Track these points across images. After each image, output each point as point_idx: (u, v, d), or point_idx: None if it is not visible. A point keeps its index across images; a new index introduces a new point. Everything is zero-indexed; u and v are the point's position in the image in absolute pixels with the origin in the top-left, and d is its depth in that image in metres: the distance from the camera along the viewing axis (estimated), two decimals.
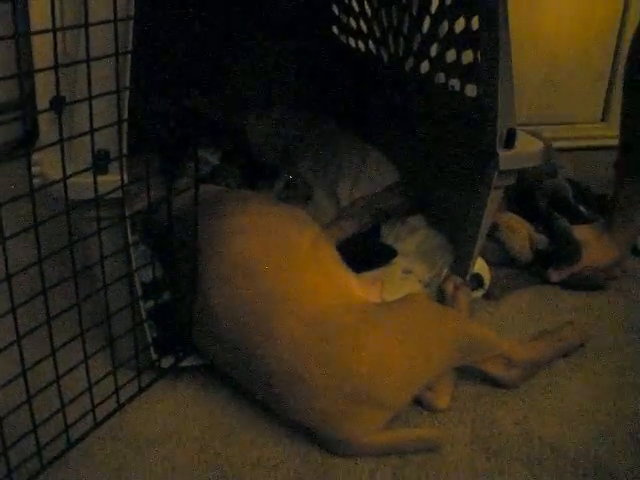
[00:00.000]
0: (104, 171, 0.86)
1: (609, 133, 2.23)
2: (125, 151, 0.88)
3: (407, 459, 0.99)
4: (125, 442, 1.00)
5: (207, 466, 0.96)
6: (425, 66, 1.46)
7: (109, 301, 0.95)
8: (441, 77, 1.39)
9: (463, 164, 1.28)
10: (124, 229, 0.95)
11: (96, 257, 0.91)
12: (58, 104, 0.81)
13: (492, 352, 1.09)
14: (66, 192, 0.82)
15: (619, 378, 1.18)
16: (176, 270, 1.13)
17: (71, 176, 0.82)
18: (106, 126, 0.85)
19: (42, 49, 0.82)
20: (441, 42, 1.38)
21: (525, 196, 1.58)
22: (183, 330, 1.09)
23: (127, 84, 0.87)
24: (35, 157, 0.86)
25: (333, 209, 1.55)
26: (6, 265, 0.75)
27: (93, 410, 0.96)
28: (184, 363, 1.11)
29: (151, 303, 1.11)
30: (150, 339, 1.07)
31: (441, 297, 1.27)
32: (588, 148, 2.25)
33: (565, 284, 1.44)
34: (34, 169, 0.84)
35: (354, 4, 1.83)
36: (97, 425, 0.98)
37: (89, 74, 0.80)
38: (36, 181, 0.82)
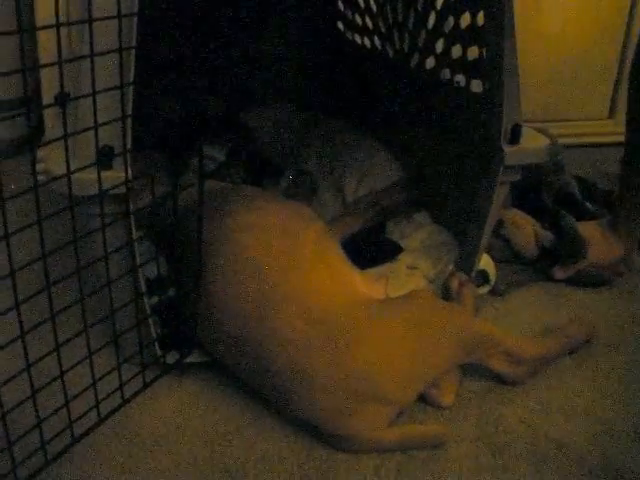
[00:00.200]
0: (108, 167, 0.86)
1: (616, 130, 2.22)
2: (129, 147, 0.88)
3: (411, 455, 0.98)
4: (129, 438, 1.00)
5: (211, 462, 0.96)
6: (431, 62, 1.45)
7: (114, 297, 0.95)
8: (446, 73, 1.39)
9: (468, 160, 1.27)
10: (128, 225, 0.95)
11: (100, 253, 0.91)
12: (62, 100, 0.81)
13: (497, 349, 1.09)
14: (70, 188, 0.82)
15: (625, 375, 1.17)
16: (181, 266, 1.13)
17: (75, 171, 0.82)
18: (110, 121, 0.85)
19: (47, 45, 0.82)
20: (446, 38, 1.37)
21: (531, 192, 1.57)
22: (188, 326, 1.09)
23: (131, 80, 0.87)
24: (40, 154, 0.86)
25: (338, 206, 1.54)
26: (10, 261, 0.75)
27: (97, 406, 0.96)
28: (189, 359, 1.11)
29: (156, 299, 1.11)
30: (155, 335, 1.07)
31: (446, 293, 1.27)
32: (595, 145, 2.24)
33: (570, 281, 1.44)
34: (39, 166, 0.85)
35: (359, 0, 1.83)
36: (101, 421, 0.98)
37: (93, 70, 0.80)
38: (41, 177, 0.83)
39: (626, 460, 0.99)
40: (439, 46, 1.41)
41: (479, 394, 1.11)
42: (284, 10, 1.98)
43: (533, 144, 1.13)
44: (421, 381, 1.02)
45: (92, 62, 0.80)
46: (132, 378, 1.02)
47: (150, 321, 1.05)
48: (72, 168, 0.81)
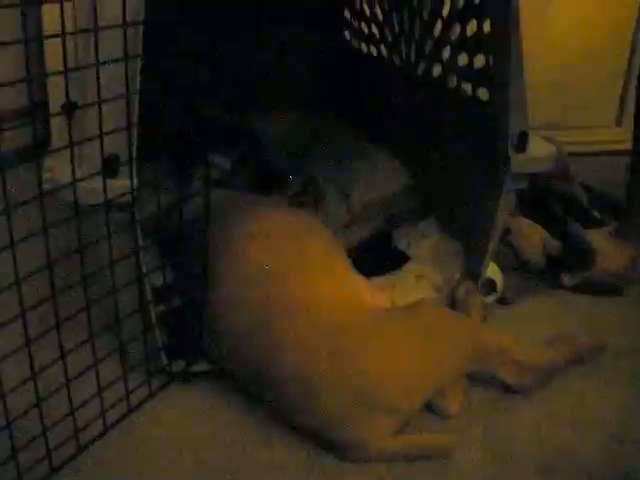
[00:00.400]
0: (114, 175, 0.87)
1: (623, 137, 2.21)
2: (135, 155, 0.88)
3: (418, 465, 0.98)
4: (135, 446, 0.99)
5: (217, 469, 0.96)
6: (437, 70, 1.45)
7: (120, 305, 0.95)
8: (453, 81, 1.38)
9: (475, 168, 1.27)
10: (134, 233, 0.95)
11: (106, 261, 0.91)
12: (69, 109, 0.81)
13: (504, 358, 1.08)
14: (76, 196, 0.82)
15: (634, 383, 1.16)
16: (187, 274, 1.13)
17: (81, 180, 0.82)
18: (116, 130, 0.85)
19: (54, 56, 0.83)
20: (453, 46, 1.37)
21: (538, 201, 1.57)
22: (194, 334, 1.09)
23: (137, 88, 0.87)
24: (47, 164, 0.87)
25: (345, 213, 1.54)
26: (16, 269, 0.75)
27: (103, 414, 0.96)
28: (194, 368, 1.11)
29: (162, 307, 1.11)
30: (161, 343, 1.07)
31: (453, 302, 1.27)
32: (602, 153, 2.24)
33: (578, 289, 1.43)
34: (46, 175, 0.85)
35: (366, 9, 1.83)
36: (107, 429, 0.98)
37: (98, 78, 0.81)
38: (46, 186, 0.83)
39: (636, 470, 0.98)
40: (445, 54, 1.41)
41: (486, 403, 1.10)
42: (291, 19, 1.98)
43: (540, 152, 1.13)
44: (427, 390, 1.01)
45: (97, 71, 0.80)
46: (138, 387, 1.02)
47: (156, 329, 1.05)
48: (78, 177, 0.82)
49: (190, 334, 1.10)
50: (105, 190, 0.85)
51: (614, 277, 1.42)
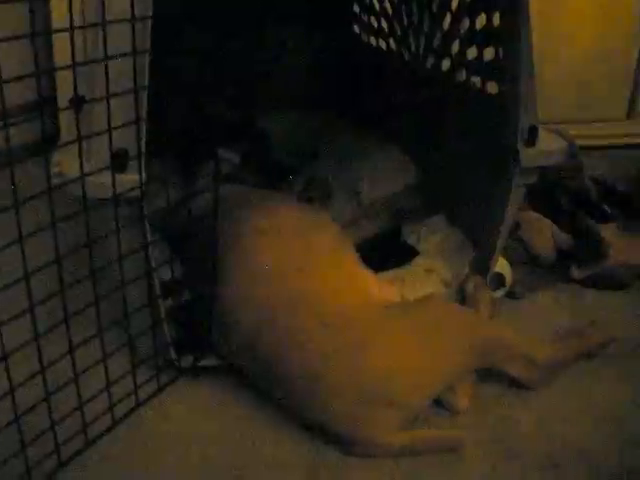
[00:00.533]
0: (122, 170, 0.87)
1: (634, 131, 2.20)
2: (144, 150, 0.88)
3: (426, 460, 0.97)
4: (143, 441, 0.99)
5: (224, 465, 0.96)
6: (446, 64, 1.45)
7: (129, 300, 0.95)
8: (462, 74, 1.38)
9: (484, 162, 1.26)
10: (143, 228, 0.95)
11: (115, 256, 0.91)
12: (77, 103, 0.81)
13: (513, 353, 1.08)
14: (84, 190, 0.82)
15: None
16: (196, 270, 1.13)
17: (90, 174, 0.82)
18: (124, 125, 0.85)
19: (63, 50, 0.82)
20: (462, 39, 1.37)
21: (547, 194, 1.56)
22: (202, 329, 1.09)
23: (145, 83, 0.87)
24: (55, 158, 0.87)
25: (353, 209, 1.54)
26: (24, 264, 0.75)
27: (111, 409, 0.96)
28: (203, 363, 1.11)
29: (170, 302, 1.11)
30: (169, 338, 1.07)
31: (462, 297, 1.26)
32: (613, 146, 2.22)
33: (589, 283, 1.42)
34: (54, 170, 0.85)
35: (375, 2, 1.82)
36: (115, 424, 0.98)
37: (107, 73, 0.80)
38: (55, 181, 0.83)
39: None
40: (455, 48, 1.40)
41: (494, 398, 1.10)
42: (293, 18, 1.97)
43: (550, 146, 1.12)
44: (435, 385, 1.01)
45: (106, 65, 0.80)
46: (146, 381, 1.02)
47: (165, 324, 1.05)
48: (86, 171, 0.82)
49: (199, 329, 1.10)
50: (114, 185, 0.85)
51: (625, 271, 1.42)
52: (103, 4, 0.79)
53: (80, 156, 0.80)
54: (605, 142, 2.22)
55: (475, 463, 0.97)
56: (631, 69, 2.26)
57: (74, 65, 0.76)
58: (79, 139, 0.80)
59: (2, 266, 0.85)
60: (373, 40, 1.90)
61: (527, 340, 1.11)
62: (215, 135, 1.12)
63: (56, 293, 0.81)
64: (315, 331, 0.99)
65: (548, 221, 1.48)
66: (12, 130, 0.70)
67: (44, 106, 0.75)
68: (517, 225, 1.43)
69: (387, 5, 1.74)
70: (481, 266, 1.29)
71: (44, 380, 0.83)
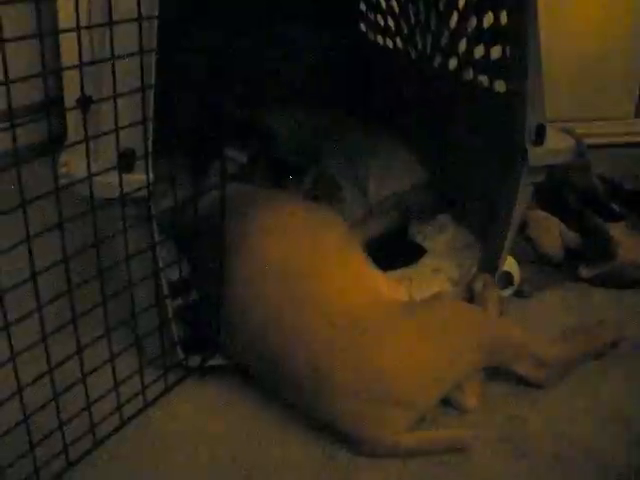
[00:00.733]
0: (130, 169, 0.87)
1: None
2: (151, 149, 0.88)
3: (435, 460, 0.97)
4: (151, 441, 0.99)
5: (232, 465, 0.96)
6: (453, 62, 1.44)
7: (136, 300, 0.95)
8: (470, 73, 1.37)
9: (492, 161, 1.26)
10: (150, 228, 0.95)
11: (122, 256, 0.91)
12: (84, 103, 0.81)
13: (521, 352, 1.07)
14: (92, 190, 0.82)
15: None
16: (203, 269, 1.13)
17: (97, 174, 0.82)
18: (131, 124, 0.85)
19: (70, 50, 0.82)
20: (469, 38, 1.36)
21: (554, 193, 1.56)
22: (210, 329, 1.09)
23: (152, 82, 0.87)
24: (62, 158, 0.87)
25: (361, 207, 1.54)
26: (32, 264, 0.75)
27: (119, 409, 0.96)
28: (211, 362, 1.11)
29: (178, 302, 1.11)
30: (177, 338, 1.07)
31: (470, 296, 1.26)
32: (621, 144, 2.22)
33: (597, 282, 1.42)
34: (61, 170, 0.85)
35: (381, 0, 1.82)
36: (123, 424, 0.98)
37: (114, 72, 0.80)
38: (62, 181, 0.83)
39: None
40: (462, 46, 1.40)
41: (503, 397, 1.10)
42: (302, 16, 1.97)
43: (558, 144, 1.12)
44: (443, 384, 1.01)
45: (113, 65, 0.80)
46: (154, 381, 1.02)
47: (172, 324, 1.05)
48: (94, 171, 0.82)
49: (206, 329, 1.10)
50: (121, 184, 0.85)
51: (633, 269, 1.41)
52: (110, 4, 0.79)
53: (87, 156, 0.80)
54: (613, 140, 2.22)
55: (483, 462, 0.97)
56: (639, 67, 2.25)
57: (81, 65, 0.76)
58: (86, 139, 0.80)
59: (10, 266, 0.85)
60: (380, 39, 1.90)
61: (535, 339, 1.11)
62: (222, 134, 1.12)
63: (64, 293, 0.81)
64: (322, 330, 0.99)
65: (556, 220, 1.48)
66: (19, 130, 0.70)
67: (51, 106, 0.75)
68: (525, 224, 1.43)
69: (394, 3, 1.74)
70: (489, 265, 1.28)
71: (52, 380, 0.83)
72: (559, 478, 0.95)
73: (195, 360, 1.10)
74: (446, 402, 1.06)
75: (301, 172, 1.61)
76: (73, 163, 0.85)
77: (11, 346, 0.76)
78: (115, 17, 0.79)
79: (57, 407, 0.85)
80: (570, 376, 1.13)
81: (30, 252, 0.74)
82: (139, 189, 0.88)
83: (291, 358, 0.99)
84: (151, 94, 0.88)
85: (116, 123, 0.83)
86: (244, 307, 1.04)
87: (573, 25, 2.16)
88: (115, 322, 0.92)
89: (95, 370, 0.89)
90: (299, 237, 1.13)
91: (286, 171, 1.60)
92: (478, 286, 1.25)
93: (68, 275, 0.80)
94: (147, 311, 0.98)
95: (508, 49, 1.19)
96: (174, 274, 1.08)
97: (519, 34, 1.11)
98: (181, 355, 1.09)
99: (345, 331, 0.99)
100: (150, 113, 0.88)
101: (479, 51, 1.32)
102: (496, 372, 1.11)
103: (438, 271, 1.32)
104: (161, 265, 0.99)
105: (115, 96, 0.81)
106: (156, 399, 1.04)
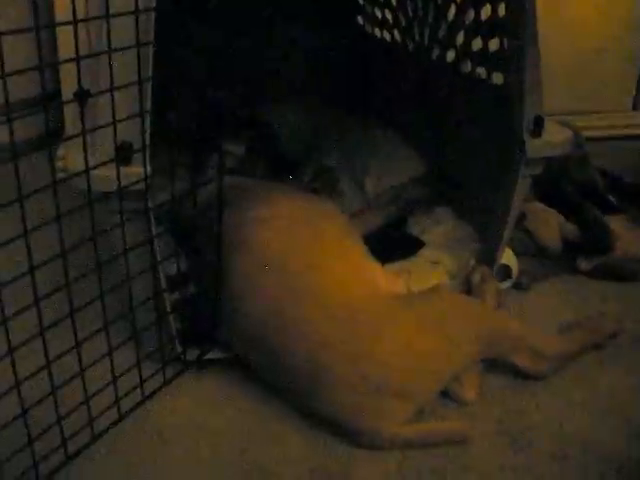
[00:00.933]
0: (127, 163, 0.86)
1: None
2: (148, 142, 0.88)
3: (434, 452, 0.97)
4: (149, 435, 1.00)
5: (231, 459, 0.96)
6: (451, 55, 1.44)
7: (134, 293, 0.95)
8: (467, 65, 1.37)
9: (490, 153, 1.26)
10: (148, 221, 0.95)
11: (120, 249, 0.91)
12: (81, 96, 0.81)
13: (519, 344, 1.07)
14: (89, 184, 0.82)
15: None
16: (201, 262, 1.13)
17: (94, 167, 0.82)
18: (129, 118, 0.85)
19: (67, 43, 0.82)
20: (467, 30, 1.36)
21: (553, 185, 1.55)
22: (208, 322, 1.09)
23: (149, 75, 0.87)
24: (60, 152, 0.86)
25: (360, 200, 1.53)
26: (29, 258, 0.75)
27: (117, 402, 0.96)
28: (209, 356, 1.11)
29: (176, 295, 1.11)
30: (175, 331, 1.07)
31: (468, 288, 1.26)
32: (619, 137, 2.21)
33: (596, 274, 1.42)
34: (59, 163, 0.85)
35: None
36: (121, 418, 0.98)
37: (111, 66, 0.80)
38: (60, 175, 0.83)
39: None
40: (459, 39, 1.39)
41: (502, 390, 1.10)
42: (301, 16, 1.96)
43: (556, 136, 1.11)
44: (442, 376, 1.01)
45: (110, 58, 0.80)
46: (152, 375, 1.02)
47: (170, 318, 1.05)
48: (91, 164, 0.81)
49: (205, 322, 1.09)
50: (118, 178, 0.85)
51: (632, 262, 1.41)
52: None
53: (85, 149, 0.80)
54: (611, 133, 2.22)
55: (481, 455, 0.97)
56: (637, 58, 2.25)
57: (78, 58, 0.75)
58: (83, 132, 0.79)
59: (7, 260, 0.85)
60: (377, 31, 1.89)
61: (533, 331, 1.11)
62: (220, 127, 1.12)
63: (61, 287, 0.81)
64: (321, 322, 0.99)
65: (554, 212, 1.48)
66: (16, 124, 0.70)
67: (48, 100, 0.75)
68: (523, 216, 1.43)
69: None
70: (487, 257, 1.29)
71: (50, 374, 0.83)
72: (557, 471, 0.95)
73: (193, 354, 1.10)
74: (445, 394, 1.06)
75: (299, 166, 1.61)
76: (71, 157, 0.84)
77: (9, 340, 0.76)
78: (112, 10, 0.79)
79: (55, 401, 0.85)
80: (569, 369, 1.13)
81: (28, 246, 0.74)
82: (137, 182, 0.87)
83: (290, 350, 0.99)
84: (148, 87, 0.87)
85: (113, 116, 0.82)
86: (243, 299, 1.04)
87: (571, 18, 2.15)
88: (113, 316, 0.92)
89: (93, 364, 0.89)
90: (298, 229, 1.12)
91: (285, 165, 1.60)
92: (476, 278, 1.25)
93: (66, 269, 0.80)
94: (145, 305, 0.98)
95: (506, 41, 1.18)
96: (172, 267, 1.07)
97: (517, 26, 1.11)
98: (179, 349, 1.09)
99: (344, 323, 0.99)
100: (147, 106, 0.87)
101: (477, 43, 1.31)
102: (494, 365, 1.11)
103: (436, 264, 1.31)
104: (159, 258, 0.98)
105: (112, 89, 0.81)
106: (154, 393, 1.04)
